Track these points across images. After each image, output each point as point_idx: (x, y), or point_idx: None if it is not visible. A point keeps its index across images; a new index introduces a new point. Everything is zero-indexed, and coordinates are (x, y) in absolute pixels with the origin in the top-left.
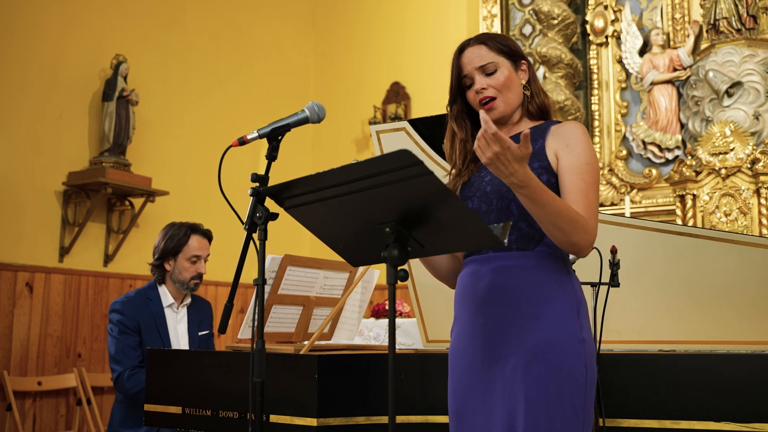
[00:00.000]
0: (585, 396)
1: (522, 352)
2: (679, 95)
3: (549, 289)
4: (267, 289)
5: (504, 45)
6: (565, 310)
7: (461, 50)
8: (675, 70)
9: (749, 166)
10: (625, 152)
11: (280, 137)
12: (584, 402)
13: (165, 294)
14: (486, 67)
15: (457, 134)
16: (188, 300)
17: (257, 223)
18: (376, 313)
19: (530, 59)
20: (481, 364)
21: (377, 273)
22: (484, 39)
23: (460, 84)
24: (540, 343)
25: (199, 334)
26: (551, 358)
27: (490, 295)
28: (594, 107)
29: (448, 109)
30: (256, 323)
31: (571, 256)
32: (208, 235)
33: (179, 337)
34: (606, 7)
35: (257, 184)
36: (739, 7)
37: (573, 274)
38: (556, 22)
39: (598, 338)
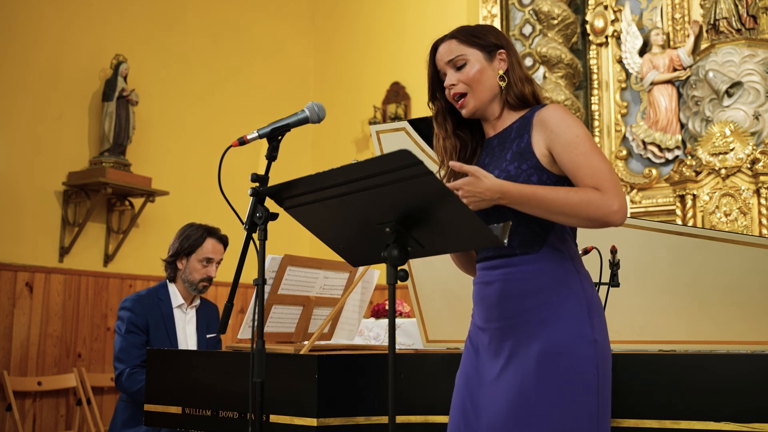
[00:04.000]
0: (597, 397)
1: (533, 357)
2: (679, 95)
3: (557, 291)
4: (267, 289)
5: (475, 36)
6: (574, 311)
7: (435, 47)
8: (675, 70)
9: (749, 166)
10: (625, 152)
11: (280, 137)
12: (597, 403)
13: (175, 293)
14: (455, 60)
15: (438, 134)
16: (197, 302)
17: (257, 223)
18: (376, 313)
19: (511, 47)
20: (493, 369)
21: (377, 273)
22: (455, 33)
23: (437, 81)
24: (550, 346)
25: (208, 336)
26: (561, 361)
27: (500, 301)
28: (594, 107)
29: (429, 106)
30: (256, 323)
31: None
32: (224, 240)
33: (187, 338)
34: (606, 7)
35: (257, 184)
36: (739, 7)
37: (582, 272)
38: (556, 22)
39: None
